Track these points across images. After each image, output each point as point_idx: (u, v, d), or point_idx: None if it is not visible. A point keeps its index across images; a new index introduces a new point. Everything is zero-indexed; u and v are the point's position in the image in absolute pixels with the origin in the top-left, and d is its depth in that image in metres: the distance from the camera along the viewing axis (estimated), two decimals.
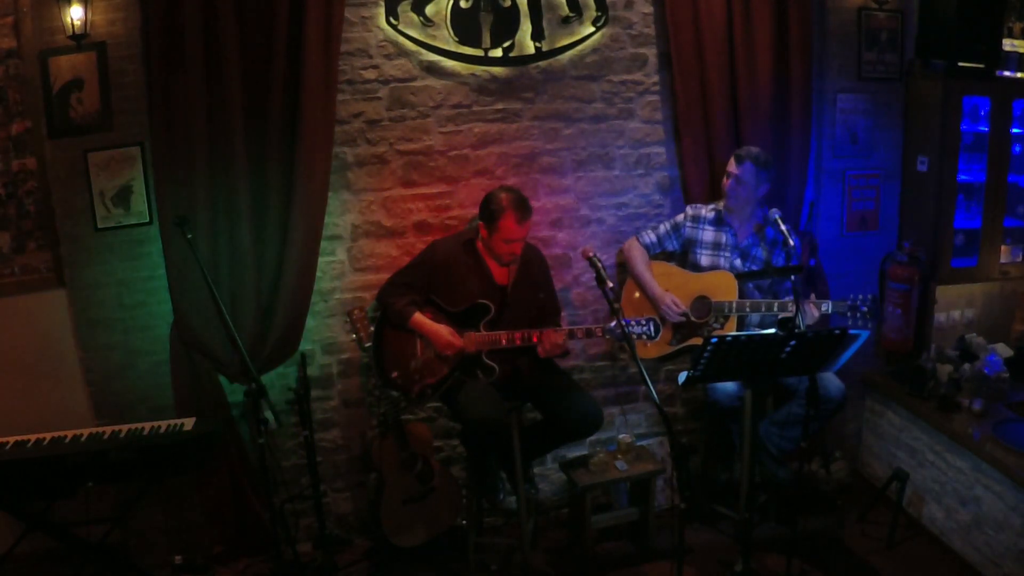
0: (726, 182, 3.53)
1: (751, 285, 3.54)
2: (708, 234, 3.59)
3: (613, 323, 3.06)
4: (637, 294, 3.66)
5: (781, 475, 3.59)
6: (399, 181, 3.61)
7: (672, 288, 3.56)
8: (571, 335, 3.21)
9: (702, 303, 3.51)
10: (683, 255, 3.73)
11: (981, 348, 3.97)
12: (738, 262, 3.56)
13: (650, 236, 3.67)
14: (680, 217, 3.66)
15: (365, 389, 3.77)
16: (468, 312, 3.27)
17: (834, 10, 3.83)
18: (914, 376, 3.82)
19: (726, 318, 3.44)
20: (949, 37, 3.73)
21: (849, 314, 3.30)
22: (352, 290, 3.67)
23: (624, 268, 3.78)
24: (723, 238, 3.57)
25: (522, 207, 3.13)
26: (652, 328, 3.14)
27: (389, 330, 3.36)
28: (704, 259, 3.60)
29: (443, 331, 3.23)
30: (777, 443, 3.52)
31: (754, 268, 3.54)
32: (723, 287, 3.49)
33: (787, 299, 3.37)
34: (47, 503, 3.12)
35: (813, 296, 3.34)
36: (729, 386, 3.46)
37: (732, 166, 3.50)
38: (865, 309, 3.28)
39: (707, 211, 3.62)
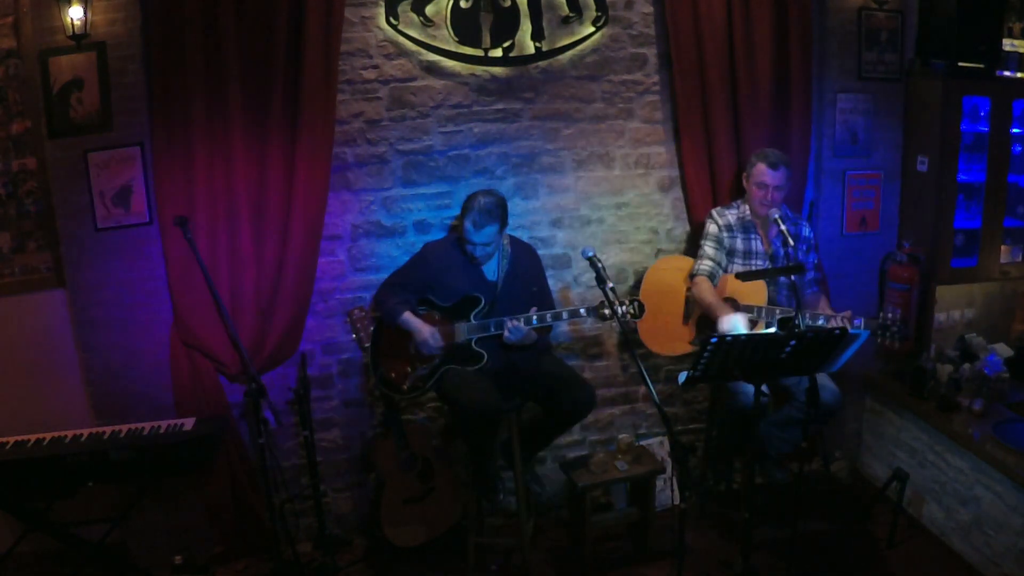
0: (757, 192, 3.46)
1: (775, 286, 3.52)
2: (739, 242, 3.56)
3: (606, 310, 3.12)
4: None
5: (779, 477, 3.59)
6: (399, 181, 3.61)
7: None
8: (556, 317, 3.26)
9: (729, 305, 3.47)
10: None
11: (981, 348, 3.97)
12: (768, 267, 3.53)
13: (705, 265, 3.53)
14: (713, 228, 3.57)
15: (365, 389, 3.77)
16: (459, 305, 3.32)
17: (834, 10, 3.83)
18: (914, 376, 3.82)
19: (754, 323, 3.43)
20: (949, 37, 3.73)
21: (879, 332, 3.27)
22: (352, 290, 3.67)
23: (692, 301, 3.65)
24: (752, 245, 3.55)
25: (485, 214, 3.19)
26: (636, 307, 3.20)
27: (386, 328, 3.38)
28: (736, 268, 3.55)
29: (425, 329, 3.30)
30: (776, 445, 3.52)
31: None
32: (751, 291, 3.46)
33: (820, 312, 3.35)
34: (47, 503, 3.12)
35: (849, 313, 3.31)
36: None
37: (765, 175, 3.43)
38: (895, 329, 3.25)
39: (732, 217, 3.58)
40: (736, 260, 3.57)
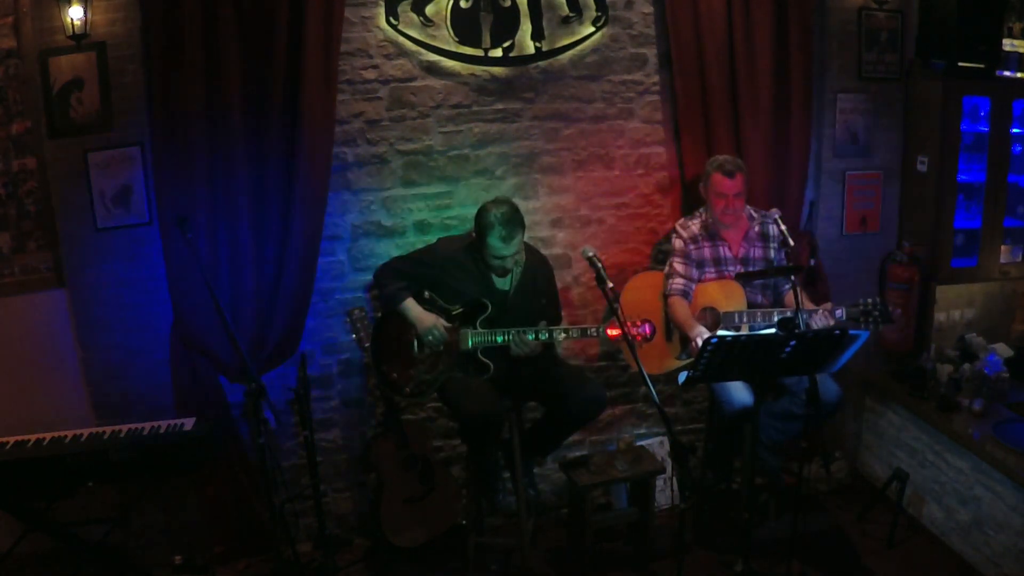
0: (718, 202, 3.43)
1: (751, 287, 3.51)
2: (707, 251, 3.53)
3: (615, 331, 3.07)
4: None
5: (772, 463, 3.58)
6: (399, 181, 3.61)
7: None
8: (565, 334, 3.21)
9: (709, 314, 3.48)
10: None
11: (981, 348, 3.97)
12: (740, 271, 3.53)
13: (677, 283, 3.49)
14: (679, 244, 3.53)
15: (365, 389, 3.77)
16: (465, 310, 3.28)
17: (834, 10, 3.83)
18: (914, 376, 3.82)
19: (736, 329, 3.41)
20: (949, 37, 3.73)
21: (862, 319, 3.27)
22: (352, 290, 3.67)
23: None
24: (721, 252, 3.53)
25: (509, 224, 3.10)
26: (648, 329, 3.14)
27: (387, 328, 3.36)
28: (709, 277, 3.53)
29: (427, 319, 3.24)
30: (771, 434, 3.51)
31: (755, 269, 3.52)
32: (730, 296, 3.45)
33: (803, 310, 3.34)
34: (47, 503, 3.11)
35: (830, 305, 3.32)
36: (744, 397, 3.32)
37: (723, 184, 3.39)
38: (877, 313, 3.25)
39: (696, 227, 3.54)
40: (707, 269, 3.53)
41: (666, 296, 3.54)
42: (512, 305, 3.30)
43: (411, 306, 3.27)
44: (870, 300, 3.28)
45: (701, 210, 3.59)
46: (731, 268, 3.52)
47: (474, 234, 3.21)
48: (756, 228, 3.54)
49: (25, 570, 3.38)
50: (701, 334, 3.33)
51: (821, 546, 3.60)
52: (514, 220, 3.12)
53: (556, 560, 3.65)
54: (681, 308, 3.46)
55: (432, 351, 3.29)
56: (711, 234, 3.53)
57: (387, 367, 3.34)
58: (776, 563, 3.34)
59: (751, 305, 3.47)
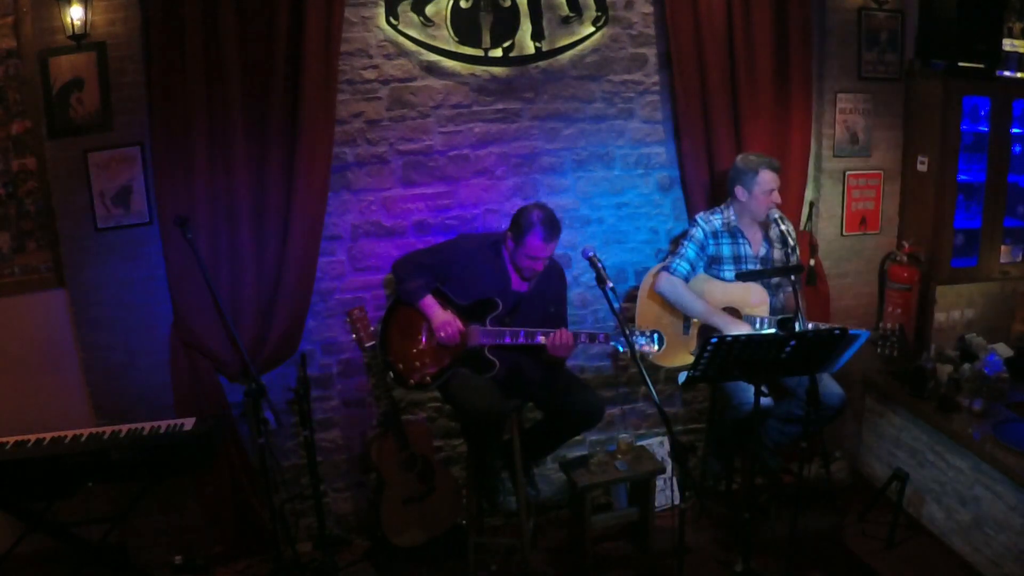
0: (765, 200, 3.41)
1: (782, 293, 3.50)
2: (726, 248, 3.52)
3: (620, 339, 3.07)
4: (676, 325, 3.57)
5: (772, 464, 3.58)
6: (399, 181, 3.61)
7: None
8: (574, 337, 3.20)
9: (731, 314, 3.47)
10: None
11: (981, 348, 3.97)
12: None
13: (683, 266, 3.48)
14: (699, 233, 3.52)
15: (365, 389, 3.77)
16: (475, 306, 3.28)
17: (834, 10, 3.83)
18: (914, 376, 3.82)
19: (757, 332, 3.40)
20: (949, 37, 3.73)
21: (880, 343, 3.27)
22: (352, 290, 3.67)
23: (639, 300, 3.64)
24: (741, 250, 3.52)
25: (551, 227, 3.16)
26: (655, 340, 3.14)
27: (396, 318, 3.35)
28: (727, 274, 3.52)
29: (446, 315, 3.24)
30: (775, 436, 3.51)
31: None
32: (753, 300, 3.44)
33: (823, 325, 3.34)
34: (47, 503, 3.12)
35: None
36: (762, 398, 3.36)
37: (775, 181, 3.40)
38: (894, 340, 3.25)
39: (718, 223, 3.53)
40: (725, 266, 3.52)
41: (666, 269, 3.51)
42: (522, 307, 3.31)
43: (430, 304, 3.27)
44: (889, 325, 3.27)
45: (723, 207, 3.57)
46: (750, 266, 3.51)
47: (510, 233, 3.23)
48: (777, 229, 3.52)
49: (25, 570, 3.39)
50: (729, 325, 3.30)
51: (821, 546, 3.60)
52: (556, 224, 3.19)
53: (556, 560, 3.64)
54: (690, 293, 3.45)
55: (440, 344, 3.28)
56: (732, 231, 3.52)
57: (393, 358, 3.34)
58: (776, 563, 3.34)
59: (773, 310, 3.46)
